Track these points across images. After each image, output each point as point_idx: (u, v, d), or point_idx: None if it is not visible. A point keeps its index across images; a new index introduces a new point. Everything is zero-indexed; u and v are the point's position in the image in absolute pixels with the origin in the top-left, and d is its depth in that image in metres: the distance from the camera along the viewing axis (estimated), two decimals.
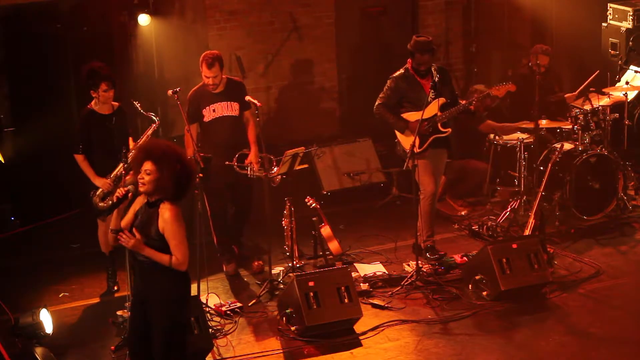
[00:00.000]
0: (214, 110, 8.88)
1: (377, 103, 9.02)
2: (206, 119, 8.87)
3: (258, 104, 8.92)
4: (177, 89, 8.73)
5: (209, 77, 8.75)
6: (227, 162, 8.82)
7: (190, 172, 6.28)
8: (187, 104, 8.81)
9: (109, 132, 8.47)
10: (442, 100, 8.84)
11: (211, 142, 8.77)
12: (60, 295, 8.81)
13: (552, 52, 10.76)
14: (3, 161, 8.90)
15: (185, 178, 6.21)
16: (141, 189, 6.19)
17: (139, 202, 6.31)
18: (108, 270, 8.84)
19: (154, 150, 6.19)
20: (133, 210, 6.32)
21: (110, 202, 8.47)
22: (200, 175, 8.17)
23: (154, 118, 8.52)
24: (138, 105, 8.49)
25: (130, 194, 6.27)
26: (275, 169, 8.78)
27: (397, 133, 9.07)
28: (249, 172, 8.83)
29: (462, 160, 10.67)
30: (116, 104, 8.62)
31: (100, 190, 8.49)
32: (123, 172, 8.10)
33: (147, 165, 6.15)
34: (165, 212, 6.17)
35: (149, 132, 8.54)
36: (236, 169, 8.84)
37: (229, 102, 8.91)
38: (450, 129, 9.00)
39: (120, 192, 6.24)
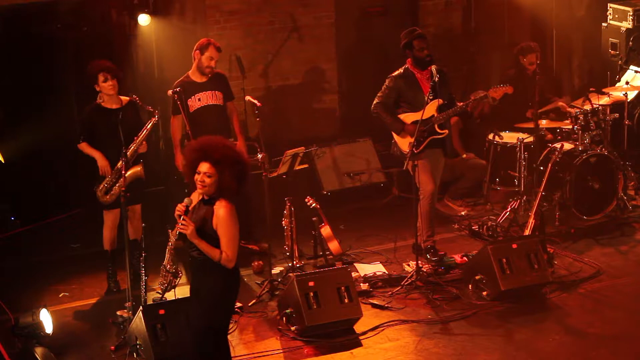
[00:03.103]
0: (199, 100, 9.01)
1: (375, 102, 9.04)
2: (192, 109, 9.00)
3: (258, 104, 8.97)
4: (177, 89, 8.76)
5: (214, 59, 8.96)
6: None
7: (248, 169, 6.30)
8: (170, 96, 8.87)
9: (114, 127, 8.41)
10: (440, 101, 8.86)
11: (198, 131, 8.82)
12: (60, 295, 8.81)
13: (539, 49, 10.74)
14: (3, 161, 8.90)
15: (245, 175, 6.26)
16: (201, 191, 6.20)
17: (196, 199, 6.33)
18: (108, 270, 8.85)
19: (211, 151, 6.17)
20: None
21: (115, 195, 8.50)
22: None
23: (153, 112, 8.52)
24: (136, 99, 8.50)
25: (190, 207, 6.26)
26: (259, 155, 8.76)
27: (394, 134, 9.08)
28: None
29: (461, 159, 10.68)
30: (126, 98, 8.63)
31: (103, 184, 8.49)
32: (123, 172, 8.09)
33: (205, 167, 6.15)
34: (220, 210, 6.19)
35: (149, 126, 8.54)
36: None
37: (213, 92, 9.07)
38: (447, 130, 9.01)
39: (180, 208, 6.20)
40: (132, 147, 8.43)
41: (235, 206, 6.29)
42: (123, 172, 8.05)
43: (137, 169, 8.45)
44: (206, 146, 6.23)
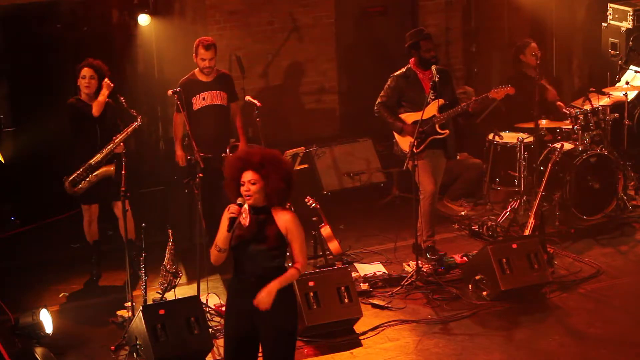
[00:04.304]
0: (203, 99, 9.01)
1: (377, 102, 9.05)
2: (195, 107, 9.01)
3: (258, 104, 8.97)
4: (177, 89, 8.76)
5: (206, 59, 8.91)
6: (222, 154, 8.97)
7: (292, 170, 6.09)
8: (170, 96, 8.87)
9: (91, 124, 8.55)
10: (441, 101, 8.86)
11: (200, 131, 8.83)
12: (60, 295, 8.81)
13: (534, 41, 10.78)
14: (3, 161, 8.90)
15: (292, 176, 6.00)
16: (249, 202, 5.93)
17: (227, 217, 5.98)
18: (92, 259, 8.95)
19: (251, 158, 5.93)
20: (225, 224, 5.98)
21: (82, 189, 8.62)
22: (200, 175, 8.19)
23: (136, 117, 8.53)
24: (122, 100, 8.50)
25: (243, 209, 5.96)
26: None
27: (395, 133, 9.09)
28: None
29: (456, 159, 10.67)
30: (104, 99, 8.63)
31: (73, 177, 8.54)
32: (123, 172, 8.07)
33: (249, 175, 5.89)
34: (286, 215, 5.98)
35: (129, 129, 8.56)
36: None
37: (218, 92, 9.06)
38: (447, 131, 9.00)
39: (234, 208, 5.91)
40: (110, 146, 8.51)
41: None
42: (123, 172, 8.03)
43: (110, 168, 8.51)
44: (245, 155, 6.00)
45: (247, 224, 5.96)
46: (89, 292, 8.88)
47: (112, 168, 8.54)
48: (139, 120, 8.54)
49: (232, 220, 5.93)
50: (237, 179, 5.95)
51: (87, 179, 8.59)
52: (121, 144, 8.52)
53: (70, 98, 8.69)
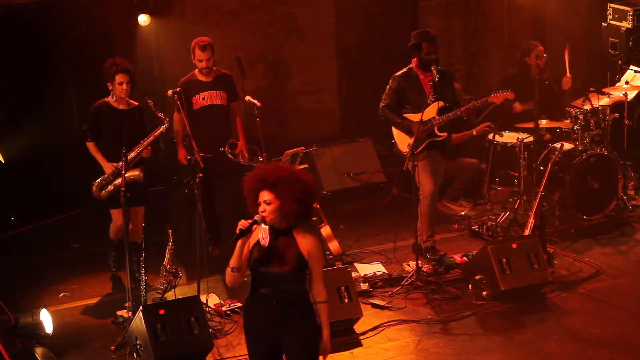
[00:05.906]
0: (203, 99, 9.03)
1: (381, 105, 9.03)
2: (195, 107, 9.02)
3: (258, 104, 8.97)
4: (177, 89, 8.76)
5: (203, 59, 8.92)
6: (221, 149, 8.99)
7: (311, 188, 5.82)
8: (170, 96, 8.86)
9: (119, 127, 8.42)
10: (440, 103, 8.86)
11: (200, 130, 8.83)
12: (60, 295, 8.81)
13: (539, 44, 10.81)
14: (3, 161, 8.90)
15: (308, 197, 5.78)
16: (268, 222, 5.78)
17: (255, 237, 5.86)
18: (111, 253, 8.89)
19: (265, 176, 5.77)
20: (248, 244, 5.83)
21: (109, 192, 8.52)
22: (201, 175, 8.19)
23: (164, 120, 8.51)
24: (150, 103, 8.48)
25: (255, 226, 5.77)
26: (260, 159, 8.82)
27: (395, 134, 9.08)
28: (241, 160, 9.03)
29: (451, 161, 10.68)
30: (135, 103, 8.62)
31: (100, 179, 8.51)
32: (123, 172, 8.07)
33: (265, 196, 5.74)
34: (309, 237, 5.82)
35: (157, 132, 8.55)
36: (229, 157, 9.00)
37: (218, 92, 9.07)
38: (446, 133, 9.00)
39: (243, 223, 5.75)
40: (137, 149, 8.46)
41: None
42: (123, 172, 8.04)
43: (136, 172, 8.46)
44: (261, 174, 5.83)
45: (267, 245, 5.82)
46: (89, 292, 8.88)
47: (138, 172, 8.47)
48: (166, 123, 8.50)
49: (241, 233, 5.74)
50: (255, 199, 5.81)
51: (114, 183, 8.52)
52: (149, 147, 8.51)
53: (99, 100, 8.55)
